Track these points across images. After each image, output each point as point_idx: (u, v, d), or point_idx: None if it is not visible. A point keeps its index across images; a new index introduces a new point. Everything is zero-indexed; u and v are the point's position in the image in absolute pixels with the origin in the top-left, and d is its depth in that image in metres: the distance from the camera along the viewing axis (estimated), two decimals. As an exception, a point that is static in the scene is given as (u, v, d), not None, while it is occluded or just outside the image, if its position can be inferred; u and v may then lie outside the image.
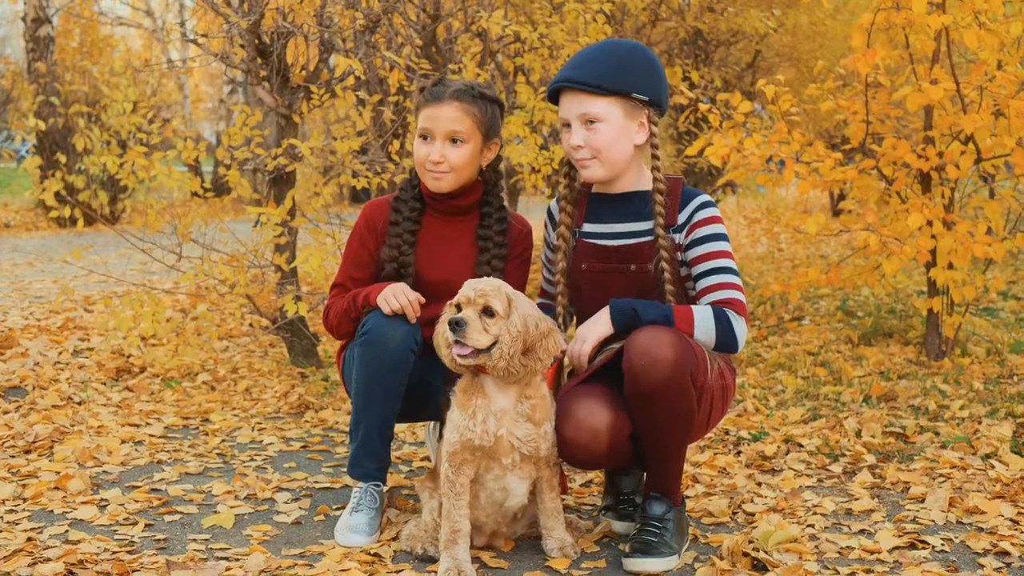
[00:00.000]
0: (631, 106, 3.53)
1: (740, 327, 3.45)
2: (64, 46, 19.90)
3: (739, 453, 4.60)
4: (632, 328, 3.36)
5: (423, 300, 3.63)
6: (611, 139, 3.52)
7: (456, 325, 3.25)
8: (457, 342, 3.26)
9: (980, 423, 4.87)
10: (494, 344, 3.26)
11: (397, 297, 3.59)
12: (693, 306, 3.45)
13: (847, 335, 6.89)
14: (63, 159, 12.55)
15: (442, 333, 3.33)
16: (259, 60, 5.75)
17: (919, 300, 6.67)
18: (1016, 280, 9.02)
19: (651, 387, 3.25)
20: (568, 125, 3.57)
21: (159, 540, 3.61)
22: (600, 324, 3.45)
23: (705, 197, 3.57)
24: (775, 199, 11.71)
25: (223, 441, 4.85)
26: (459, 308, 3.30)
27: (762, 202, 11.30)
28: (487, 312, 3.27)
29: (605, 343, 3.49)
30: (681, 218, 3.55)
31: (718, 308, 3.44)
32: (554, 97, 3.62)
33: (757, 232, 14.38)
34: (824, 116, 10.11)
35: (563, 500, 4.01)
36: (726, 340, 3.43)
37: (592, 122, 3.51)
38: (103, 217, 14.87)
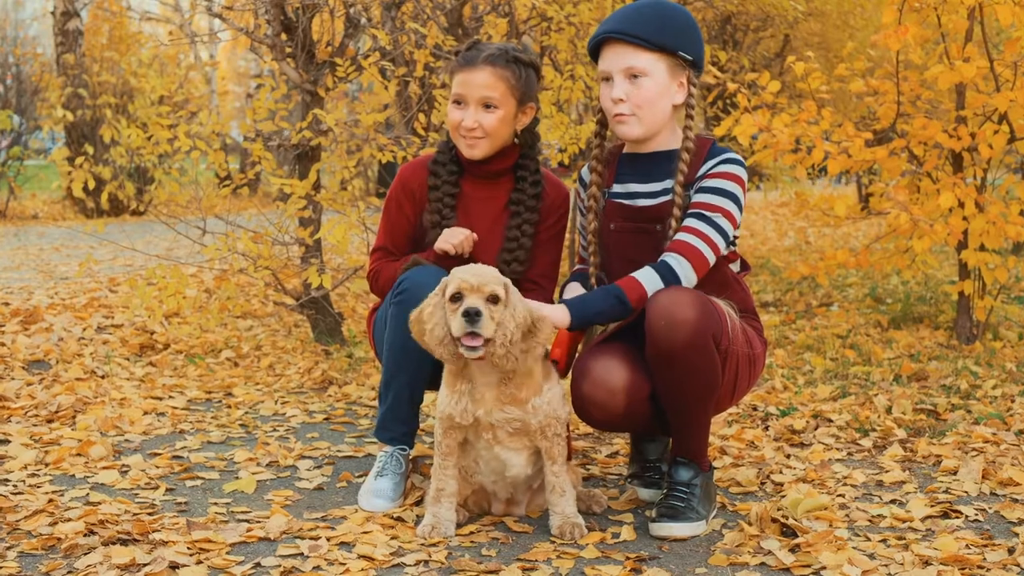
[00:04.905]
0: (675, 64, 3.46)
1: (682, 268, 3.32)
2: (94, 42, 19.97)
3: (767, 427, 4.53)
4: (593, 323, 3.37)
5: (476, 236, 3.65)
6: (654, 95, 3.44)
7: (475, 315, 3.09)
8: (471, 334, 3.12)
9: (1013, 401, 4.79)
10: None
11: (453, 238, 3.59)
12: (634, 273, 3.34)
13: (876, 320, 6.81)
14: (91, 150, 12.56)
15: (440, 324, 3.17)
16: (284, 36, 5.72)
17: (950, 286, 6.59)
18: (1048, 271, 8.90)
19: (671, 348, 3.19)
20: (608, 79, 3.50)
21: (180, 503, 3.58)
22: (559, 318, 3.35)
23: (733, 154, 3.46)
24: (803, 186, 11.62)
25: (246, 413, 4.82)
26: (458, 296, 3.15)
27: (790, 188, 11.17)
28: (492, 300, 3.14)
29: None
30: (700, 171, 3.45)
31: (660, 261, 3.35)
32: (594, 51, 3.56)
33: (784, 225, 14.28)
34: (853, 104, 10.04)
35: (587, 470, 3.98)
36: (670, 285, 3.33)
37: (636, 76, 3.43)
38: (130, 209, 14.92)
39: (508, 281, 3.22)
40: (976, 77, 5.67)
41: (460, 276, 3.17)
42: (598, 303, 3.35)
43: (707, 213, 3.39)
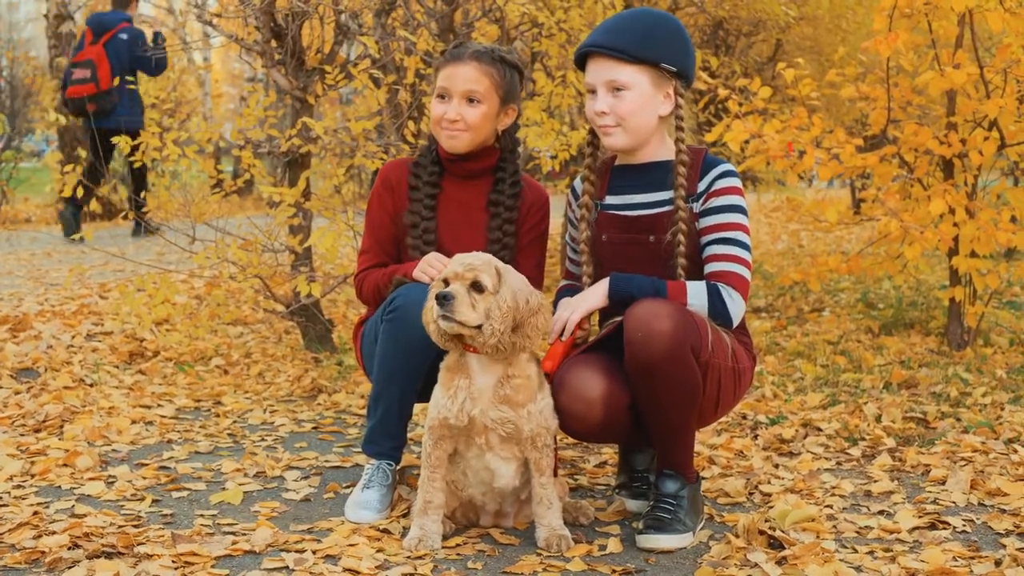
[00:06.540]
0: (659, 76, 3.47)
1: (734, 304, 3.38)
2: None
3: (756, 436, 4.52)
4: (627, 303, 3.31)
5: None
6: (636, 107, 3.46)
7: (444, 300, 3.15)
8: (444, 317, 3.17)
9: (1003, 409, 4.79)
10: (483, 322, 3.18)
11: (432, 265, 3.57)
12: (688, 281, 3.39)
13: (867, 325, 6.80)
14: (83, 154, 12.50)
15: (429, 308, 3.24)
16: (274, 43, 5.71)
17: (941, 291, 6.58)
18: (1040, 276, 8.88)
19: (649, 360, 3.19)
20: (594, 91, 3.52)
21: (166, 515, 3.57)
22: (594, 296, 3.43)
23: (727, 166, 3.49)
24: (795, 190, 11.61)
25: (234, 422, 4.80)
26: (446, 283, 3.22)
27: (782, 193, 11.17)
28: (476, 287, 3.18)
29: (607, 315, 3.45)
30: (700, 186, 3.48)
31: (712, 283, 3.38)
32: (581, 62, 3.57)
33: (777, 228, 14.28)
34: (845, 109, 10.03)
35: (575, 481, 3.97)
36: (718, 316, 3.37)
37: (619, 89, 3.45)
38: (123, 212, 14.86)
39: (504, 269, 3.24)
40: (967, 83, 5.66)
41: (452, 264, 3.25)
42: (638, 285, 3.37)
43: (731, 234, 3.43)
